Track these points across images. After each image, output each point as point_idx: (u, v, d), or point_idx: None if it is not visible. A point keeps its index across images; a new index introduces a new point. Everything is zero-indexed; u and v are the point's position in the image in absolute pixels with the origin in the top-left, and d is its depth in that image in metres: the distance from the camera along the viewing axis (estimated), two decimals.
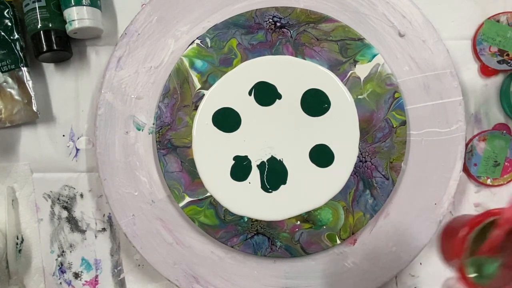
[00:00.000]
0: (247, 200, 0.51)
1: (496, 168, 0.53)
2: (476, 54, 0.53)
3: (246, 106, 0.51)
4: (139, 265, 0.56)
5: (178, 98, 0.52)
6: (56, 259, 0.56)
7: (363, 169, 0.51)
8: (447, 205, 0.51)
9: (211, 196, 0.51)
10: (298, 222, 0.51)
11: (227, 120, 0.51)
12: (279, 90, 0.51)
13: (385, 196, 0.51)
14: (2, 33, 0.53)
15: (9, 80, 0.53)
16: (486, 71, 0.54)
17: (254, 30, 0.52)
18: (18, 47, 0.53)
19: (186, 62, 0.52)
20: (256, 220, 0.51)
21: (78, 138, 0.56)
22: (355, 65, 0.51)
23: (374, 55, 0.51)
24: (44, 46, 0.52)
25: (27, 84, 0.54)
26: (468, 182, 0.55)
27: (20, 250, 0.56)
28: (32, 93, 0.54)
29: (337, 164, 0.51)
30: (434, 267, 0.54)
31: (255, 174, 0.51)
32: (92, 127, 0.55)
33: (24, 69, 0.53)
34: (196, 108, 0.52)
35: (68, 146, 0.56)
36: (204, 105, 0.52)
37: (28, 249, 0.56)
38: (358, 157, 0.51)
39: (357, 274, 0.52)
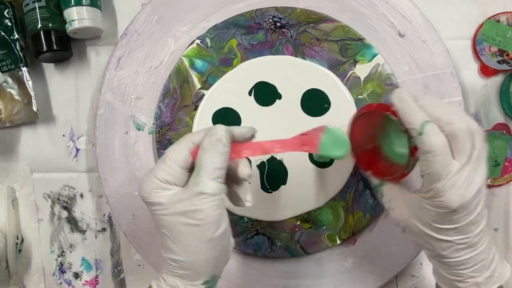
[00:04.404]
0: None
1: (496, 168, 0.53)
2: (476, 54, 0.53)
3: (246, 106, 0.51)
4: (139, 265, 0.56)
5: (178, 98, 0.52)
6: (56, 259, 0.56)
7: None
8: None
9: None
10: (298, 222, 0.51)
11: (227, 120, 0.51)
12: (279, 90, 0.51)
13: None
14: (2, 33, 0.53)
15: (9, 80, 0.53)
16: (486, 71, 0.54)
17: (254, 30, 0.52)
18: (18, 47, 0.53)
19: (186, 62, 0.52)
20: (256, 220, 0.51)
21: (78, 138, 0.56)
22: (355, 65, 0.51)
23: (374, 55, 0.51)
24: (44, 46, 0.52)
25: (27, 84, 0.53)
26: None
27: (20, 250, 0.56)
28: (32, 93, 0.54)
29: (337, 164, 0.51)
30: None
31: (255, 174, 0.51)
32: (92, 127, 0.55)
33: (24, 69, 0.53)
34: (196, 108, 0.52)
35: (68, 146, 0.56)
36: (204, 105, 0.52)
37: (28, 249, 0.56)
38: None
39: (357, 274, 0.52)
